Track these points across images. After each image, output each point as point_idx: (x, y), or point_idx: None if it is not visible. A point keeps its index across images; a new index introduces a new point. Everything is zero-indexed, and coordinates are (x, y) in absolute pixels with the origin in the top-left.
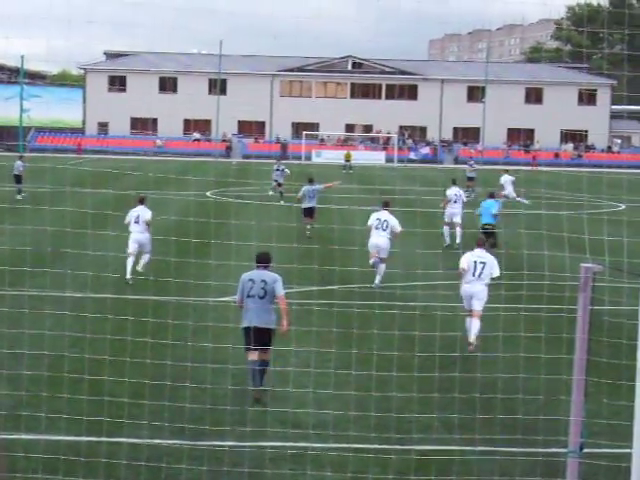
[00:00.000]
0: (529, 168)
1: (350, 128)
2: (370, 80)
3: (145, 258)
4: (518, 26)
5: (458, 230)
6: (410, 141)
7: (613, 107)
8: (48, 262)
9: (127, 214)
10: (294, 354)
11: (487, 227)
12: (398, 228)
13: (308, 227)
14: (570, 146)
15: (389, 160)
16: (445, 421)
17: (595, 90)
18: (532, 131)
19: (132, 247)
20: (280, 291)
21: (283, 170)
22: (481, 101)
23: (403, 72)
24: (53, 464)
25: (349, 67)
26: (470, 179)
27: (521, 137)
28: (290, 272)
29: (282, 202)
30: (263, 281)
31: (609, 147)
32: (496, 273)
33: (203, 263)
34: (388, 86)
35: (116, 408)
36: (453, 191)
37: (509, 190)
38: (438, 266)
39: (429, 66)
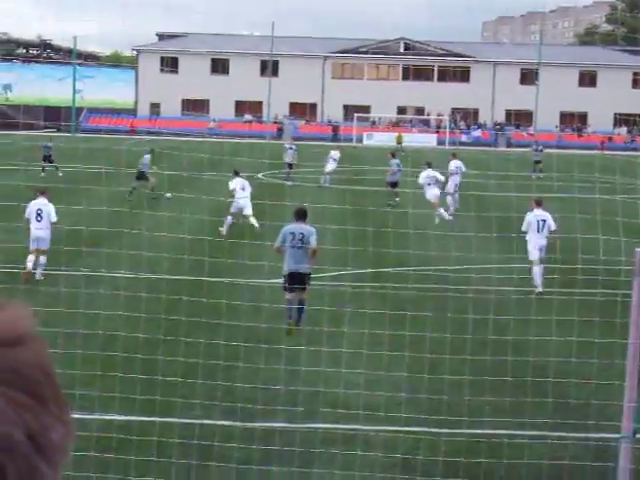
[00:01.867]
0: (583, 152)
1: (402, 110)
2: (422, 62)
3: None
4: (572, 8)
5: (441, 210)
6: (462, 123)
7: None
8: (102, 242)
9: (231, 183)
10: (346, 336)
11: None
12: (441, 177)
13: (395, 198)
14: (624, 130)
15: (441, 143)
16: (496, 405)
17: None
18: (585, 115)
19: (247, 210)
20: (314, 243)
21: (294, 149)
22: (534, 84)
23: (455, 54)
24: (106, 443)
25: (401, 49)
26: (537, 162)
27: (574, 120)
28: (344, 254)
29: (290, 183)
30: (301, 234)
31: None
32: (553, 227)
33: (257, 244)
34: (440, 68)
35: (169, 388)
36: (425, 173)
37: (331, 166)
38: (491, 249)
39: (482, 48)
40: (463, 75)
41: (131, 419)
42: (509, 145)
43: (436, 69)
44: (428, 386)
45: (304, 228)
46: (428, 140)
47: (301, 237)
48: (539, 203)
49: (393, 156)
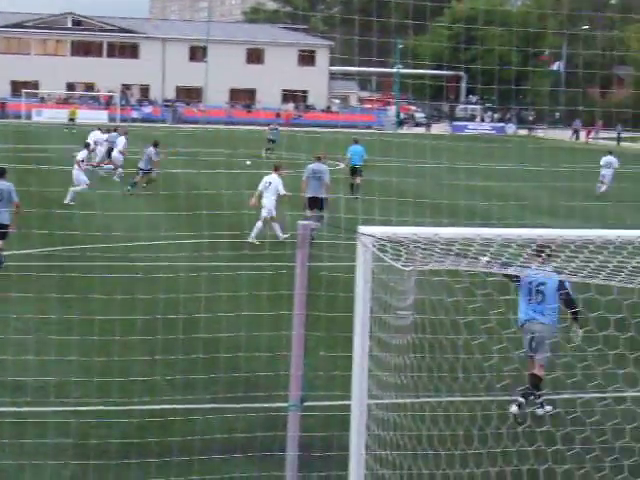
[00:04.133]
0: (251, 127)
1: (71, 86)
2: (91, 38)
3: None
4: None
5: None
6: (133, 100)
7: (331, 68)
8: None
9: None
10: (15, 318)
11: (356, 167)
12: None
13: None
14: (291, 106)
15: (112, 119)
16: (170, 381)
17: (314, 51)
18: (253, 91)
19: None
20: (15, 198)
21: None
22: (203, 61)
23: (124, 30)
24: None
25: (69, 24)
26: (270, 141)
27: (243, 97)
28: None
29: None
30: (1, 190)
31: (328, 107)
32: (282, 191)
33: None
34: (109, 44)
35: None
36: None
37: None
38: (160, 226)
39: (150, 25)
40: (132, 51)
41: None
42: (180, 121)
43: (105, 45)
44: (100, 365)
45: (4, 184)
46: (98, 116)
47: (0, 192)
48: (276, 168)
49: (156, 145)
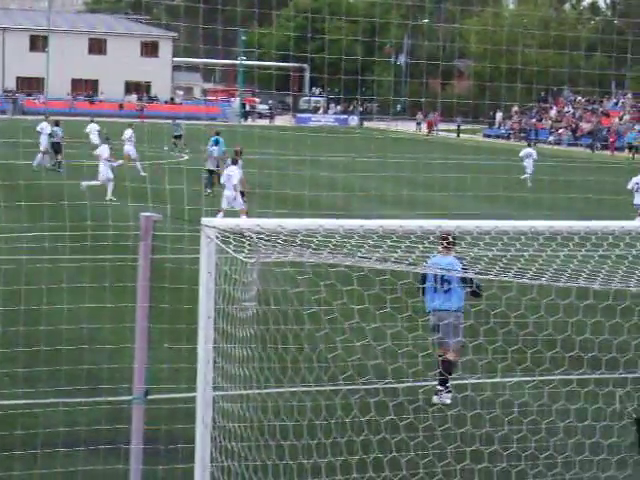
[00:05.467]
0: (95, 119)
1: None
2: None
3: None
4: None
5: None
6: None
7: (175, 59)
8: None
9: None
10: None
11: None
12: None
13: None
14: (134, 97)
15: None
16: (11, 375)
17: (157, 42)
18: (96, 82)
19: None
20: None
21: None
22: (44, 51)
23: None
24: None
25: None
26: (177, 137)
27: (85, 88)
28: None
29: None
30: None
31: (172, 98)
32: (234, 181)
33: None
34: None
35: None
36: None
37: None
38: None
39: None
40: None
41: None
42: (21, 112)
43: None
44: None
45: None
46: None
47: None
48: (235, 161)
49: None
